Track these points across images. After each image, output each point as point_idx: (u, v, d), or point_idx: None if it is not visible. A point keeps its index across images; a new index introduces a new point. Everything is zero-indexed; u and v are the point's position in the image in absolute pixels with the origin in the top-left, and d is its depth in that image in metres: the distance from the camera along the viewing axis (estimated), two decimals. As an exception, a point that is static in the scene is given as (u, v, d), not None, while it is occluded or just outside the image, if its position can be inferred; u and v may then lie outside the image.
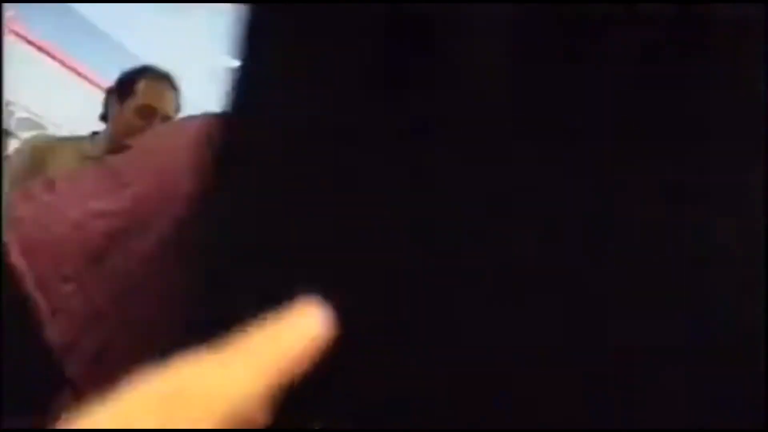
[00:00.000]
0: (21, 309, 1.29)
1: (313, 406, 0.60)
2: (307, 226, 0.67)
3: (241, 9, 0.73)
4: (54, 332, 1.30)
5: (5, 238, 1.32)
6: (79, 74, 4.75)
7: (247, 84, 0.73)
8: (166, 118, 2.28)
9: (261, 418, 0.52)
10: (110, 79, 2.42)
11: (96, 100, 2.70)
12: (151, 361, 1.51)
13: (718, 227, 0.61)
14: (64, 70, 4.76)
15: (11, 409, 1.28)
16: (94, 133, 2.39)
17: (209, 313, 0.69)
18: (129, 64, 2.34)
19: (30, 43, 4.46)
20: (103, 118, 2.37)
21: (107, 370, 1.30)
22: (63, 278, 1.33)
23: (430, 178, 0.62)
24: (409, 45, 0.64)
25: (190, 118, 1.63)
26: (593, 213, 0.61)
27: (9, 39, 4.23)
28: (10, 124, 4.25)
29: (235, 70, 0.72)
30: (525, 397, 0.57)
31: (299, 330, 0.47)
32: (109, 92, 2.35)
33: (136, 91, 2.29)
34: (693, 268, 0.59)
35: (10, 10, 4.27)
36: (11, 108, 4.54)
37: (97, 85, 4.29)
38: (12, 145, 3.78)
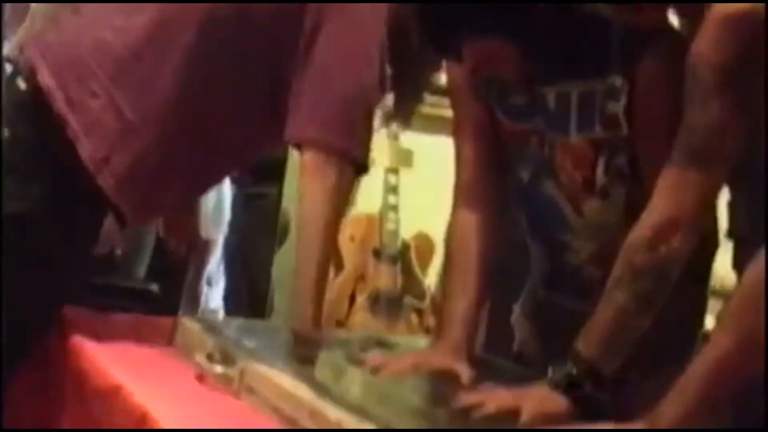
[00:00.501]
0: (54, 130, 1.31)
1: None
2: None
3: None
4: (87, 148, 1.29)
5: (35, 62, 1.34)
6: None
7: None
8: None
9: None
10: None
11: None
12: (185, 178, 1.56)
13: None
14: None
15: (50, 231, 1.30)
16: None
17: None
18: None
19: None
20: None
21: (141, 186, 1.32)
22: (91, 94, 1.31)
23: None
24: None
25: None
26: None
27: None
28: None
29: None
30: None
31: None
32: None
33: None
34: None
35: None
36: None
37: None
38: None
